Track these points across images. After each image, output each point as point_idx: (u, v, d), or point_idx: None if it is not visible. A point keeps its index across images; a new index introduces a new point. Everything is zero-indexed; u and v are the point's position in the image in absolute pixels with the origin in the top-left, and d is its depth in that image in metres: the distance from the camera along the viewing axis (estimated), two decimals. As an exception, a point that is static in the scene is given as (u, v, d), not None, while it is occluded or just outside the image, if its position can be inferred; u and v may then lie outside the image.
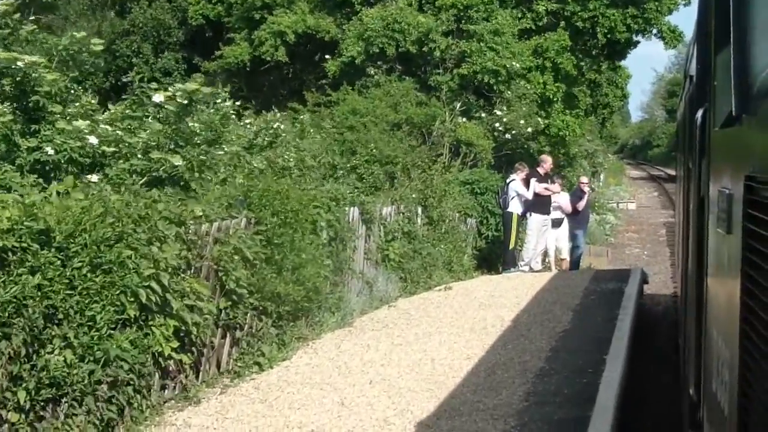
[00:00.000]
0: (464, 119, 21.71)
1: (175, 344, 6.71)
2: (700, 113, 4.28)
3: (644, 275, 14.91)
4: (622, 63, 32.95)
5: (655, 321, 13.96)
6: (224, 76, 23.52)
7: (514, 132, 21.45)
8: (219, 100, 13.64)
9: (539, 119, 22.01)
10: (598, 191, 37.22)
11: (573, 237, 17.54)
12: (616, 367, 7.41)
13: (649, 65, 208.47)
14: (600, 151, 41.85)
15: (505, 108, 21.45)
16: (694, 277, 4.49)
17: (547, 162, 15.40)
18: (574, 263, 17.58)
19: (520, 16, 22.98)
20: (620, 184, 45.84)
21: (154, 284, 6.33)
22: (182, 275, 7.01)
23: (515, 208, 14.67)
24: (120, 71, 24.97)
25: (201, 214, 7.66)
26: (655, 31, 24.16)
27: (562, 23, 22.56)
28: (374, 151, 15.38)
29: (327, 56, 22.21)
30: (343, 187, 10.34)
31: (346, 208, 10.65)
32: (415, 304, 10.97)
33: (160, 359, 6.65)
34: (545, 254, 16.17)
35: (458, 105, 21.80)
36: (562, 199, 15.77)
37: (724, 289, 2.58)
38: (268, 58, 21.93)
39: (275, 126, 12.53)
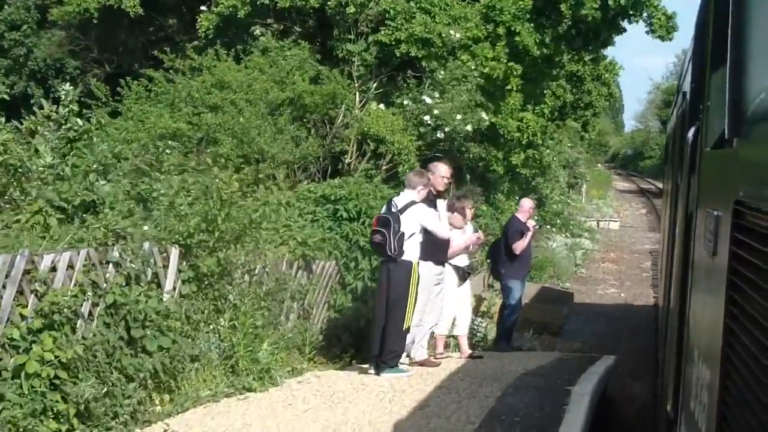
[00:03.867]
0: (381, 105, 15.00)
1: None
2: (692, 131, 3.98)
3: (610, 373, 8.49)
4: (613, 58, 26.45)
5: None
6: (72, 31, 16.78)
7: (447, 129, 14.71)
8: None
9: (483, 114, 15.24)
10: (575, 206, 30.38)
11: (506, 292, 10.85)
12: None
13: (646, 75, 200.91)
14: (582, 160, 34.97)
15: (437, 95, 14.70)
16: (677, 294, 4.14)
17: (442, 171, 8.48)
18: (504, 335, 10.87)
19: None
20: (604, 198, 38.98)
21: None
22: None
23: (413, 252, 7.70)
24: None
25: None
26: (645, 15, 17.30)
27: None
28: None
29: (203, 8, 15.44)
30: None
31: None
32: None
33: None
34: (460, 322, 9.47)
35: (374, 85, 15.06)
36: (458, 237, 8.87)
37: (708, 311, 2.50)
38: (117, 6, 15.12)
39: None
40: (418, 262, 7.63)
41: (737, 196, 1.98)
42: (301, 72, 14.31)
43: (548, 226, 24.54)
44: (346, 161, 14.86)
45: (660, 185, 44.62)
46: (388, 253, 7.37)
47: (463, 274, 9.18)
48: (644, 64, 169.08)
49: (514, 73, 15.44)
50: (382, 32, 14.19)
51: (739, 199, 1.96)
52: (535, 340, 11.66)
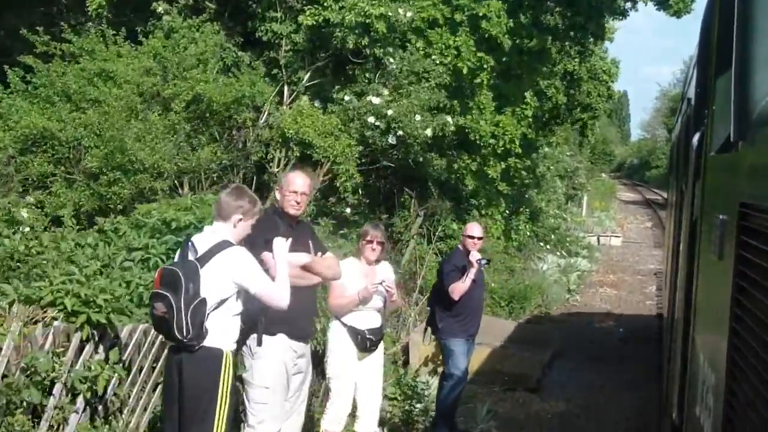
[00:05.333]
0: (317, 102, 11.81)
1: None
2: (696, 137, 3.91)
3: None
4: (614, 58, 23.31)
5: None
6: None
7: (400, 134, 11.45)
8: None
9: (448, 117, 12.00)
10: (574, 219, 26.95)
11: (446, 356, 7.58)
12: None
13: (653, 83, 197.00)
14: (582, 169, 31.48)
15: (386, 92, 11.45)
16: (683, 299, 4.08)
17: (293, 184, 5.10)
18: (443, 417, 7.55)
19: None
20: (607, 210, 35.50)
21: None
22: None
23: (226, 333, 4.30)
24: None
25: None
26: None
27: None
28: None
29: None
30: None
31: None
32: None
33: None
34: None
35: (307, 75, 11.84)
36: (357, 284, 5.61)
37: (714, 315, 2.43)
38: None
39: None
40: (231, 352, 4.31)
41: (743, 198, 1.98)
42: (216, 60, 11.13)
43: (541, 244, 21.18)
44: (273, 170, 11.65)
45: (666, 195, 41.34)
46: (177, 335, 4.10)
47: (363, 341, 5.91)
48: (651, 73, 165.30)
49: (485, 65, 12.18)
50: (307, 12, 10.95)
51: (744, 202, 1.96)
52: (492, 419, 8.30)
